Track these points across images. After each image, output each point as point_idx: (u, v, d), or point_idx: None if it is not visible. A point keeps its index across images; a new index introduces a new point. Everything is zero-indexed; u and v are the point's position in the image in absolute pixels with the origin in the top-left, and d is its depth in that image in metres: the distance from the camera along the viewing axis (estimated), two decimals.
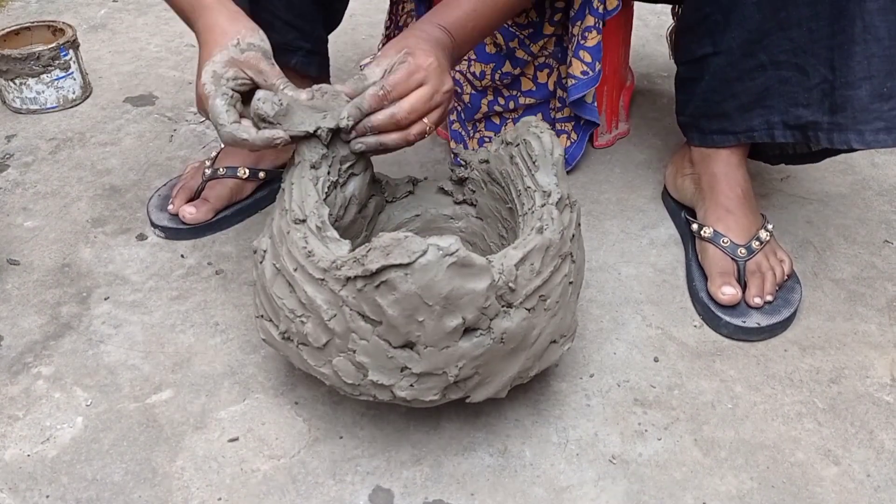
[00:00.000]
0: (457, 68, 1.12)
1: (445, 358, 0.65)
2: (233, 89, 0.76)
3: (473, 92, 1.12)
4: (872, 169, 1.17)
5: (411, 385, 0.67)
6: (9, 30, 1.33)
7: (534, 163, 0.75)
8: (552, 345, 0.72)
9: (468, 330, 0.65)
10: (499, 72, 1.09)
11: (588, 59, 1.03)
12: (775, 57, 0.85)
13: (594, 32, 1.02)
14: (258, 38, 0.79)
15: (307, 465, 0.75)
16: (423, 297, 0.61)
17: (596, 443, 0.77)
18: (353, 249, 0.68)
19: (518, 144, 0.78)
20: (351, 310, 0.65)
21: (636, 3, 1.20)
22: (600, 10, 1.02)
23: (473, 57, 1.10)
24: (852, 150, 0.84)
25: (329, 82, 1.08)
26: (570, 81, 1.05)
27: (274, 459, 0.76)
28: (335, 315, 0.66)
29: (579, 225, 0.77)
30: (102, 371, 0.85)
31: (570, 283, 0.72)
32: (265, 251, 0.73)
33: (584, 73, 1.04)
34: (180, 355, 0.87)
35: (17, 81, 1.27)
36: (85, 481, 0.74)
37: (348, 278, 0.64)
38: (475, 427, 0.79)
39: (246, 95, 0.78)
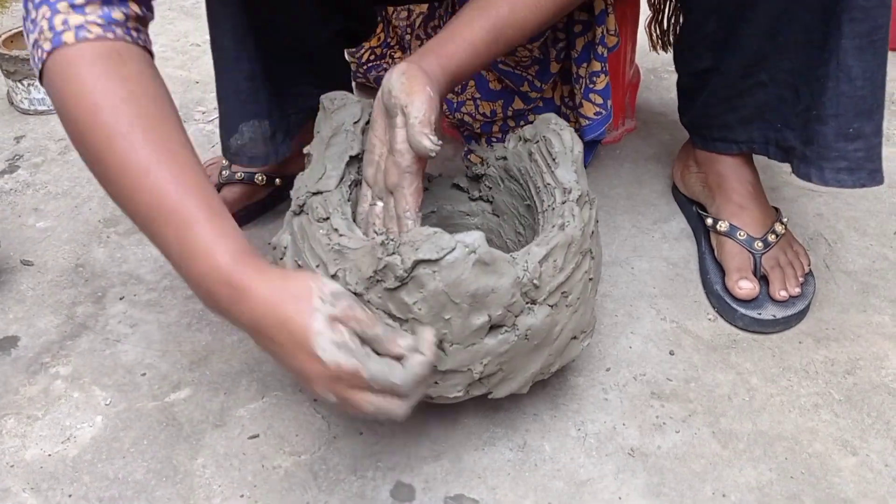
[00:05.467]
0: (465, 111, 1.12)
1: (471, 355, 0.65)
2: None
3: (482, 123, 1.13)
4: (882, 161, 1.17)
5: (436, 382, 0.67)
6: (16, 31, 1.33)
7: (554, 160, 0.75)
8: (573, 341, 0.73)
9: (493, 327, 0.65)
10: (510, 108, 1.09)
11: (599, 100, 1.04)
12: (775, 76, 0.85)
13: (602, 76, 1.03)
14: (333, 283, 0.61)
15: (328, 462, 0.75)
16: (451, 295, 0.62)
17: (614, 436, 0.78)
18: None
19: (537, 141, 0.78)
20: (376, 308, 0.65)
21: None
22: (604, 54, 1.02)
23: (478, 96, 1.10)
24: (809, 181, 0.84)
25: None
26: (584, 122, 1.06)
27: (295, 456, 0.76)
28: None
29: (597, 221, 0.77)
30: (120, 370, 0.85)
31: (591, 279, 0.72)
32: (286, 248, 0.73)
33: (597, 113, 1.05)
34: (197, 353, 0.87)
35: (25, 82, 1.27)
36: (107, 480, 0.74)
37: (378, 280, 0.64)
38: (494, 422, 0.79)
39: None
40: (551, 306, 0.67)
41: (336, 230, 0.69)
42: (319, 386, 0.58)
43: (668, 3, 1.15)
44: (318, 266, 0.69)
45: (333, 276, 0.67)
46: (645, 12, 1.18)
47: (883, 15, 0.75)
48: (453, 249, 0.61)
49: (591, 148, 1.14)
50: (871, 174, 0.82)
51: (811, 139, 0.83)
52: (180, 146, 0.65)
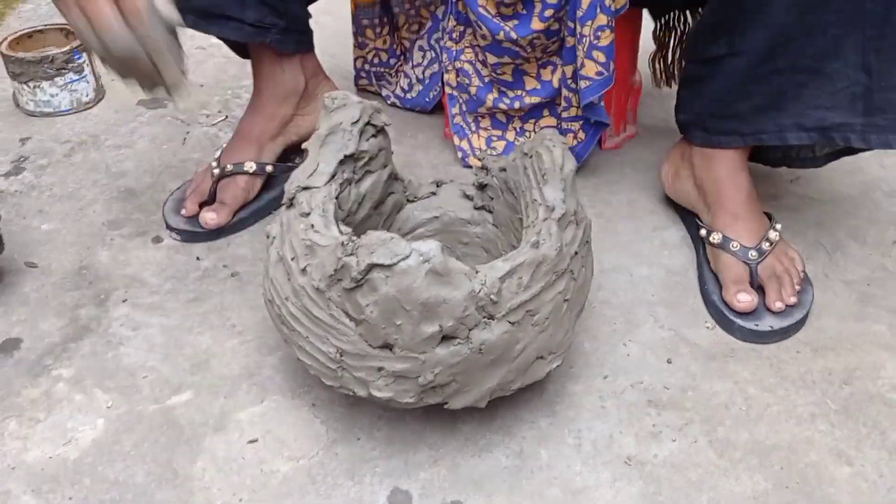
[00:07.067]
0: (468, 59, 1.12)
1: (421, 363, 0.66)
2: None
3: (480, 85, 1.12)
4: (881, 170, 1.17)
5: (387, 385, 0.68)
6: (21, 33, 1.34)
7: (542, 176, 0.76)
8: (538, 360, 0.72)
9: (446, 337, 0.66)
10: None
11: (602, 58, 1.01)
12: (796, 61, 0.84)
13: (607, 31, 0.99)
14: None
15: (326, 467, 0.76)
16: (402, 301, 0.63)
17: (611, 444, 0.78)
18: None
19: (532, 156, 0.78)
20: (336, 306, 0.67)
21: None
22: (612, 7, 0.99)
23: (476, 43, 1.09)
24: (890, 148, 0.84)
25: (315, 58, 1.10)
26: (584, 83, 1.03)
27: (293, 461, 0.77)
28: (321, 308, 0.68)
29: (588, 242, 0.77)
30: (122, 373, 0.86)
31: (566, 300, 0.72)
32: (275, 237, 0.76)
33: (598, 73, 1.02)
34: (198, 357, 0.88)
35: (30, 84, 1.28)
36: (107, 483, 0.75)
37: (338, 280, 0.65)
38: (491, 429, 0.80)
39: None
40: (512, 323, 0.67)
41: (312, 226, 0.71)
42: None
43: (673, 37, 1.15)
44: (293, 259, 0.71)
45: (303, 271, 0.69)
46: (648, 23, 1.18)
47: None
48: (407, 257, 0.62)
49: (587, 145, 1.12)
50: None
51: (881, 108, 0.82)
52: None
